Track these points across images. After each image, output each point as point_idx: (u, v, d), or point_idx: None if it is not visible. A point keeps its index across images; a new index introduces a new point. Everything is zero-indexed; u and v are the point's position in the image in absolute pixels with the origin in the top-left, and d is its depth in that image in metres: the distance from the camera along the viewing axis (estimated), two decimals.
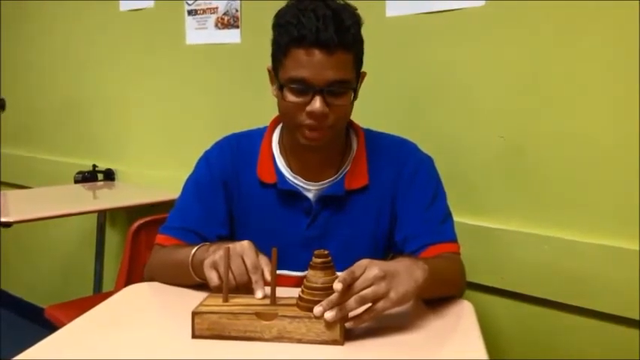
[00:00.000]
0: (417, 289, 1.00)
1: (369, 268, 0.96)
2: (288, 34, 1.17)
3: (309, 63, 1.15)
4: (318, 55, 1.15)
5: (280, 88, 1.21)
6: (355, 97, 1.26)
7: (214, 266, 1.07)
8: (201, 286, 1.20)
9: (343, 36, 1.15)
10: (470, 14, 1.62)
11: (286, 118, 1.25)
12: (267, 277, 1.04)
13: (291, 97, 1.19)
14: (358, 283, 0.94)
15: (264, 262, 1.07)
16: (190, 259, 1.17)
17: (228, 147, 1.36)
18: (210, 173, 1.34)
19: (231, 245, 1.07)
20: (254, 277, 1.05)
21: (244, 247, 1.08)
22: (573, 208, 1.50)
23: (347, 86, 1.19)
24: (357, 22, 1.20)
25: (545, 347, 1.58)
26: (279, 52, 1.20)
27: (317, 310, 0.94)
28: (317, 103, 1.16)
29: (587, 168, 1.47)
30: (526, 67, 1.55)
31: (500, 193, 1.62)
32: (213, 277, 1.06)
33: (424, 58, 1.73)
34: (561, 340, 1.55)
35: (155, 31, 2.49)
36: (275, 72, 1.25)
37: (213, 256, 1.08)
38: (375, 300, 0.95)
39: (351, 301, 0.94)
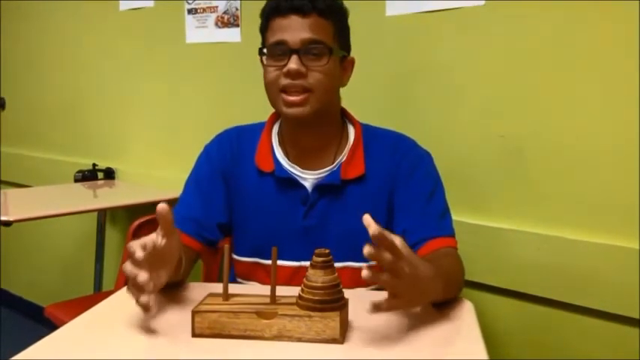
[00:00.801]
0: (426, 303, 1.05)
1: (406, 262, 0.92)
2: (268, 9, 1.27)
3: (286, 26, 1.23)
4: (293, 18, 1.23)
5: (261, 55, 1.27)
6: (341, 81, 1.31)
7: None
8: (201, 285, 1.20)
9: (317, 2, 1.23)
10: (470, 13, 1.62)
11: (268, 88, 1.28)
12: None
13: (269, 61, 1.25)
14: (400, 265, 0.91)
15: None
16: None
17: (227, 139, 1.38)
18: (210, 165, 1.36)
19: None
20: (130, 249, 0.94)
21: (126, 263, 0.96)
22: (573, 207, 1.50)
23: (323, 47, 1.23)
24: (336, 1, 1.28)
25: (546, 346, 1.58)
26: (263, 29, 1.29)
27: (367, 250, 0.88)
28: (292, 62, 1.21)
29: (588, 167, 1.47)
30: (526, 66, 1.55)
31: (500, 192, 1.62)
32: (135, 296, 0.94)
33: (424, 57, 1.73)
34: (561, 339, 1.55)
35: (155, 30, 2.49)
36: (259, 52, 1.29)
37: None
38: (393, 292, 0.93)
39: (386, 276, 0.91)
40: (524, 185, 1.58)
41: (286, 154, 1.34)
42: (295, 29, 1.22)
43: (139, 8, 2.53)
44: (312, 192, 1.31)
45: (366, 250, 0.88)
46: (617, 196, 1.44)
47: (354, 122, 1.37)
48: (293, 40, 1.22)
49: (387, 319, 1.04)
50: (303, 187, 1.31)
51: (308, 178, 1.32)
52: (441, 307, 1.12)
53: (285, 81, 1.23)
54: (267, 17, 1.27)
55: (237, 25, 2.19)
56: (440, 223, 1.27)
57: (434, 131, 1.68)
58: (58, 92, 3.01)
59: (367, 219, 0.90)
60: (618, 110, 1.42)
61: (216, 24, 2.25)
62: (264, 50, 1.27)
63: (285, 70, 1.22)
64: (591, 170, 1.47)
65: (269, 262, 1.15)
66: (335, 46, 1.26)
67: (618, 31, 1.41)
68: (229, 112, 2.26)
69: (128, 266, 0.94)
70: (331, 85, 1.28)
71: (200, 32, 2.31)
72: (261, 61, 1.30)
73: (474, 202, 1.66)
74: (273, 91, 1.26)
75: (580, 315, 1.50)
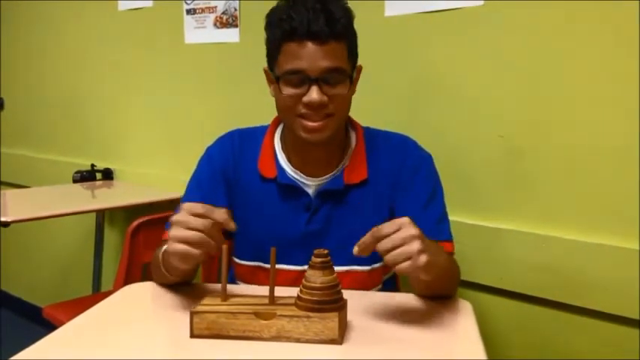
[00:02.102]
0: (435, 268, 1.01)
1: (405, 227, 0.98)
2: (280, 30, 1.19)
3: (303, 54, 1.17)
4: (310, 46, 1.17)
5: (277, 82, 1.22)
6: (353, 91, 1.28)
7: (175, 240, 1.00)
8: (200, 285, 1.20)
9: (334, 26, 1.17)
10: (469, 14, 1.62)
11: (284, 112, 1.25)
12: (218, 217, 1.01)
13: (287, 90, 1.21)
14: (393, 238, 0.97)
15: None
16: (161, 257, 1.17)
17: (229, 142, 1.37)
18: (211, 168, 1.35)
19: (173, 226, 1.02)
20: (216, 217, 1.01)
21: (183, 209, 1.03)
22: (573, 208, 1.50)
23: (342, 75, 1.20)
24: (347, 14, 1.23)
25: (545, 347, 1.58)
26: (274, 49, 1.23)
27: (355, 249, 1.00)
28: (314, 93, 1.17)
29: (587, 167, 1.47)
30: (525, 66, 1.55)
31: (499, 193, 1.62)
32: (182, 247, 1.00)
33: (423, 58, 1.73)
34: (560, 339, 1.55)
35: (154, 30, 2.49)
36: (271, 70, 1.26)
37: (170, 241, 1.02)
38: (405, 259, 0.96)
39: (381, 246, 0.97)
40: (524, 185, 1.57)
41: (289, 160, 1.33)
42: (313, 57, 1.17)
43: (137, 8, 2.53)
44: (315, 198, 1.30)
45: (355, 251, 1.00)
46: (616, 197, 1.44)
47: (355, 126, 1.37)
48: (311, 69, 1.17)
49: (385, 320, 1.04)
50: (306, 193, 1.30)
51: (311, 185, 1.31)
52: (439, 308, 1.12)
53: (304, 110, 1.20)
54: (280, 40, 1.20)
55: (236, 26, 2.19)
56: (438, 227, 1.27)
57: (432, 131, 1.68)
58: (56, 92, 3.01)
59: (354, 252, 1.00)
60: (618, 110, 1.42)
61: (215, 24, 2.25)
62: (279, 77, 1.21)
63: (305, 100, 1.18)
64: (591, 170, 1.47)
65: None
66: (349, 66, 1.23)
67: (618, 31, 1.40)
68: (228, 112, 2.26)
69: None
70: (348, 106, 1.27)
71: (199, 32, 2.31)
72: (268, 73, 1.28)
73: (472, 202, 1.66)
74: (290, 116, 1.23)
75: (579, 315, 1.50)
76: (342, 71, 1.20)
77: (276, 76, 1.23)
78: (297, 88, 1.19)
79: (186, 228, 1.00)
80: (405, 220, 0.99)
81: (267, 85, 1.31)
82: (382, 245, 0.97)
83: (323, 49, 1.17)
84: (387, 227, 0.98)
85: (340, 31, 1.19)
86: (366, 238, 0.99)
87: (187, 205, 1.03)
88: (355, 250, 1.00)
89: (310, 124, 1.21)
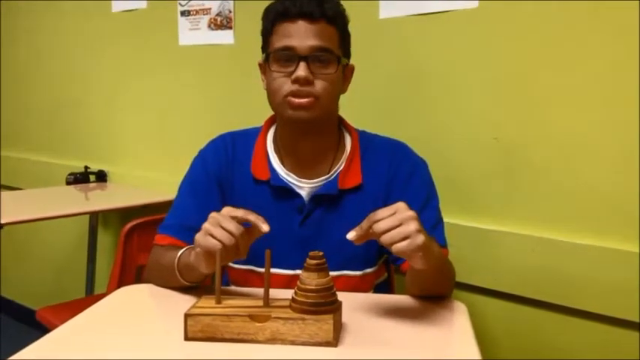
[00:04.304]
0: (432, 254, 1.03)
1: (401, 210, 0.99)
2: (273, 12, 1.25)
3: (293, 32, 1.22)
4: (301, 24, 1.22)
5: (267, 60, 1.25)
6: (344, 88, 1.30)
7: (206, 233, 1.05)
8: (194, 288, 1.19)
9: (325, 8, 1.22)
10: (464, 16, 1.62)
11: (273, 95, 1.26)
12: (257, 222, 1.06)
13: (276, 67, 1.23)
14: (389, 219, 0.98)
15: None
16: (176, 262, 1.18)
17: (222, 145, 1.37)
18: (205, 171, 1.35)
19: (209, 220, 1.06)
20: (251, 217, 1.06)
21: (223, 211, 1.07)
22: (568, 210, 1.50)
23: (331, 55, 1.23)
24: (339, 6, 1.28)
25: (540, 349, 1.58)
26: (267, 33, 1.27)
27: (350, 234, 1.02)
28: (301, 70, 1.20)
29: (582, 169, 1.47)
30: (520, 68, 1.55)
31: (494, 195, 1.62)
32: (212, 242, 1.03)
33: (418, 60, 1.73)
34: (556, 342, 1.55)
35: (148, 32, 2.48)
36: (265, 57, 1.28)
37: (200, 232, 1.06)
38: (402, 238, 0.97)
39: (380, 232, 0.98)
40: (519, 187, 1.58)
41: (282, 162, 1.33)
42: (303, 35, 1.20)
43: (131, 10, 2.52)
44: (309, 201, 1.30)
45: (351, 235, 1.02)
46: (614, 198, 1.43)
47: (350, 130, 1.37)
48: (301, 47, 1.20)
49: (380, 321, 1.04)
50: (299, 195, 1.30)
51: (304, 187, 1.31)
52: (434, 309, 1.12)
53: (292, 87, 1.21)
54: (273, 21, 1.24)
55: (231, 27, 2.19)
56: (432, 233, 1.26)
57: (427, 134, 1.68)
58: (50, 94, 3.00)
59: (349, 236, 1.02)
60: (616, 111, 1.42)
61: (209, 26, 2.25)
62: (269, 55, 1.24)
63: (293, 77, 1.20)
64: (586, 172, 1.47)
65: (264, 270, 1.15)
66: (340, 53, 1.25)
67: (616, 31, 1.40)
68: (222, 114, 2.26)
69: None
70: (336, 92, 1.28)
71: (193, 34, 2.31)
72: (262, 66, 1.29)
73: (468, 205, 1.66)
74: (279, 97, 1.24)
75: (575, 318, 1.50)
76: (331, 52, 1.22)
77: (267, 55, 1.26)
78: (286, 66, 1.22)
79: (220, 227, 1.04)
80: (401, 204, 1.01)
81: (261, 80, 1.31)
82: (379, 226, 0.98)
83: (314, 28, 1.21)
84: (383, 211, 1.00)
85: (332, 14, 1.23)
86: (363, 223, 1.00)
87: (228, 208, 1.07)
88: (352, 235, 1.01)
89: (297, 100, 1.22)
